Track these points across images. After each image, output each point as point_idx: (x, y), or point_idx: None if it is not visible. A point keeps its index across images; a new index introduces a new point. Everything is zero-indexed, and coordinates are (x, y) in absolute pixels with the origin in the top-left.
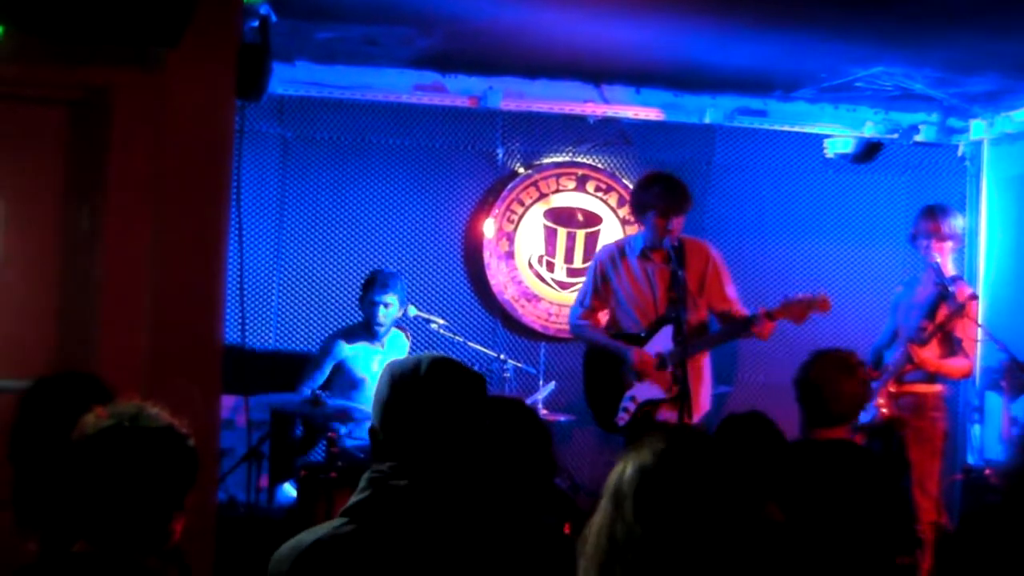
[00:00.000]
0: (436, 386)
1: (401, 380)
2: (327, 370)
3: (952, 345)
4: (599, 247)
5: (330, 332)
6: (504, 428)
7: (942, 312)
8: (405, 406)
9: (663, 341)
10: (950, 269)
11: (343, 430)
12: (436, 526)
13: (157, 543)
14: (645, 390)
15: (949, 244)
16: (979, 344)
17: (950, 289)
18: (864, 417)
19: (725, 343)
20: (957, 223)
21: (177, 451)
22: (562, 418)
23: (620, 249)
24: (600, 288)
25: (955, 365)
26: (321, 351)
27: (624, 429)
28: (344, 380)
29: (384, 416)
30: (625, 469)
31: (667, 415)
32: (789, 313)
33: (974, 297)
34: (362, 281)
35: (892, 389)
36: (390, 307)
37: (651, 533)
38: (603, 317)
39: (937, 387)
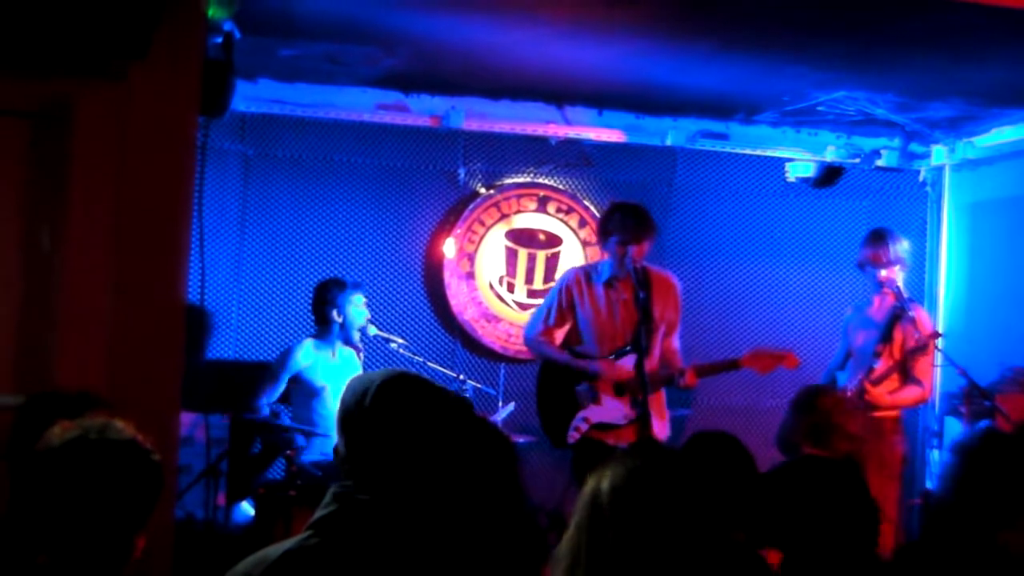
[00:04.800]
0: (386, 407)
1: (353, 400)
2: (284, 381)
3: (907, 373)
4: (561, 268)
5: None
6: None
7: (897, 334)
8: (359, 427)
9: (624, 370)
10: (901, 292)
11: (301, 441)
12: (399, 540)
13: (119, 559)
14: (599, 412)
15: (896, 269)
16: (936, 370)
17: (908, 312)
18: None
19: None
20: (901, 247)
21: (143, 465)
22: (520, 439)
23: (587, 274)
24: (564, 310)
25: (909, 396)
26: (279, 362)
27: (573, 446)
28: (303, 391)
29: (342, 436)
30: (600, 486)
31: (620, 441)
32: (757, 362)
33: (936, 335)
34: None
35: None
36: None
37: (629, 549)
38: (558, 336)
39: (895, 411)
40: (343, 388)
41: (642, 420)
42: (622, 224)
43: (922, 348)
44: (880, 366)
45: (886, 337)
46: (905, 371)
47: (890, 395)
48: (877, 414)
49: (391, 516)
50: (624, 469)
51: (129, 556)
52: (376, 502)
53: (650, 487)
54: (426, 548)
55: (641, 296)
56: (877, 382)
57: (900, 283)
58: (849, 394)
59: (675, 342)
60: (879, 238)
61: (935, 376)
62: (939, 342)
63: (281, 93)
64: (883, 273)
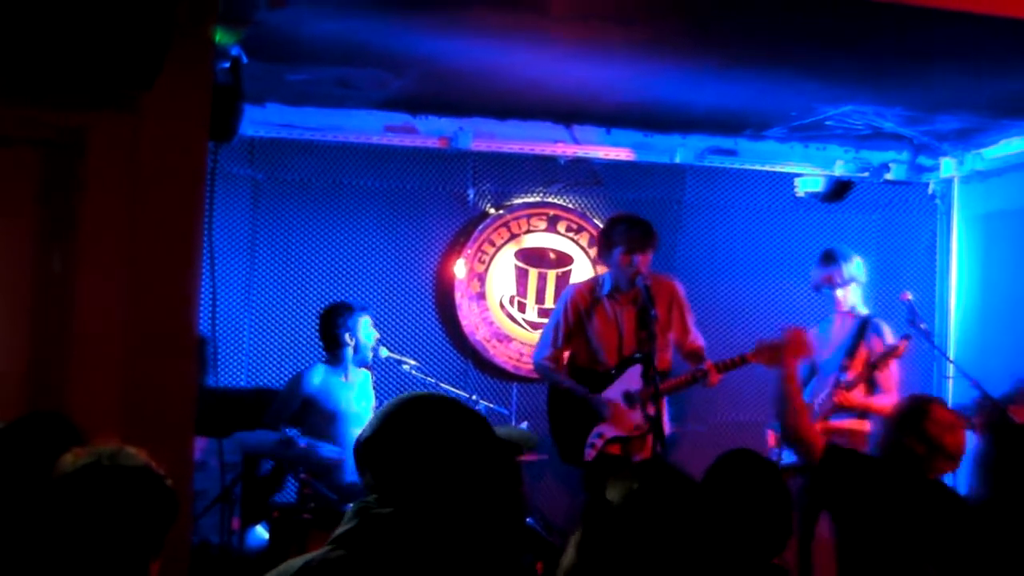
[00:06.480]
0: (402, 434)
1: (369, 429)
2: (295, 405)
3: (874, 384)
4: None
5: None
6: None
7: (862, 349)
8: (374, 453)
9: (632, 379)
10: (860, 308)
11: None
12: (421, 554)
13: None
14: (613, 427)
15: (851, 287)
16: (949, 382)
17: (869, 327)
18: (790, 458)
19: (680, 391)
20: (851, 267)
21: (156, 491)
22: (534, 458)
23: (590, 288)
24: (571, 327)
25: (882, 403)
26: (290, 387)
27: (589, 464)
28: (316, 414)
29: (363, 462)
30: (599, 507)
31: (634, 452)
32: (761, 356)
33: (907, 337)
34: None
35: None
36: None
37: (621, 570)
38: (566, 357)
39: (868, 424)
40: (355, 412)
41: (655, 428)
42: (628, 234)
43: (891, 352)
44: (849, 376)
45: (851, 352)
46: (871, 384)
47: (863, 398)
48: (850, 426)
49: (412, 528)
50: (623, 490)
51: None
52: (397, 515)
53: (647, 510)
54: (445, 560)
55: (653, 314)
56: (849, 387)
57: (858, 299)
58: (818, 408)
59: (697, 339)
60: (830, 259)
61: (899, 387)
62: (907, 345)
63: (290, 117)
64: (839, 293)
